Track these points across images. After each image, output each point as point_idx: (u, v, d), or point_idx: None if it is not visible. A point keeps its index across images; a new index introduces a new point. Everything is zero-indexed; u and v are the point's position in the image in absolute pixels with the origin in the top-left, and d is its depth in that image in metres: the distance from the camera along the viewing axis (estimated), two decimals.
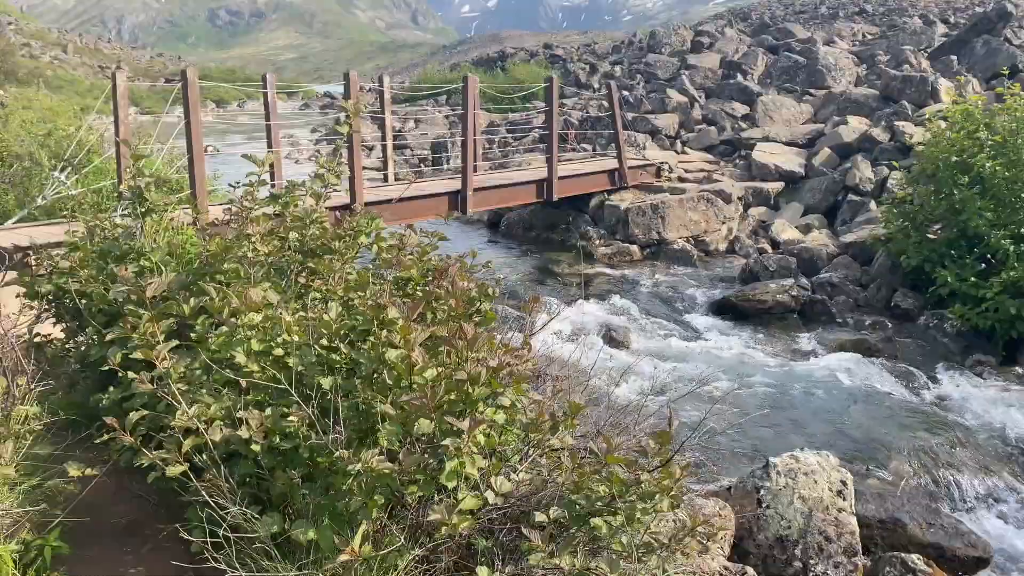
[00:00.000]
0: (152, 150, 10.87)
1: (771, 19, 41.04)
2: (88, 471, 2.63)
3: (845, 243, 12.15)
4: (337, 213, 8.18)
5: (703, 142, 18.29)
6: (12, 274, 3.98)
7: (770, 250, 12.95)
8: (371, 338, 2.57)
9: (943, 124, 10.92)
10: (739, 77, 21.79)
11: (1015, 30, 19.82)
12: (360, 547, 2.08)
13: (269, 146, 11.41)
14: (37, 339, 3.85)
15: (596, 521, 2.33)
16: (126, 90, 9.33)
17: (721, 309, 10.49)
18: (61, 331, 3.97)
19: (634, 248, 13.28)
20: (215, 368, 2.73)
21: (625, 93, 21.67)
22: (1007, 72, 15.20)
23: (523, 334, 3.82)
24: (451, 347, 2.49)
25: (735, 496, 4.58)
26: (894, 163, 13.27)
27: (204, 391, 2.63)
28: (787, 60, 22.44)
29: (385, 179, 13.18)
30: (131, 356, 2.75)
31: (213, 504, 2.36)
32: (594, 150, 17.98)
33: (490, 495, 2.39)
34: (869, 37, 29.36)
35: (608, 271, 12.55)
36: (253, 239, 3.41)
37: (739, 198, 14.38)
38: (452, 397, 2.44)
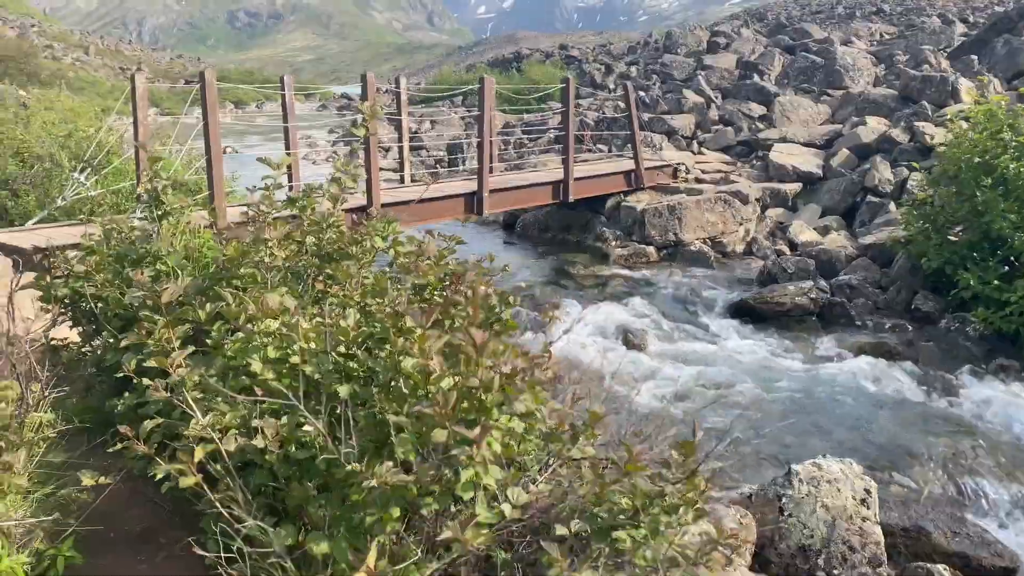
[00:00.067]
0: (171, 151, 10.91)
1: (787, 19, 40.79)
2: (102, 479, 2.60)
3: (864, 245, 12.01)
4: (354, 215, 8.15)
5: (720, 143, 18.17)
6: (28, 277, 3.96)
7: (788, 252, 12.83)
8: (387, 346, 2.53)
9: (965, 124, 10.77)
10: (756, 77, 21.64)
11: None
12: (376, 563, 2.03)
13: (287, 147, 11.42)
14: (53, 343, 3.84)
15: (620, 534, 2.27)
16: (145, 92, 9.36)
17: (739, 311, 10.39)
18: (78, 335, 3.96)
19: (651, 249, 13.20)
20: (230, 375, 2.69)
21: (641, 94, 21.57)
22: None
23: (541, 337, 3.78)
24: (463, 354, 2.44)
25: (756, 504, 4.51)
26: (914, 164, 13.10)
27: (220, 399, 2.60)
28: (804, 60, 22.27)
29: (401, 180, 13.15)
30: (146, 363, 2.72)
31: (227, 515, 2.32)
32: (610, 151, 17.90)
33: (507, 508, 2.33)
34: (887, 37, 29.12)
35: (624, 272, 12.48)
36: (270, 244, 3.37)
37: (756, 199, 14.26)
38: (465, 405, 2.38)
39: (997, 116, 10.10)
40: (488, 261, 3.56)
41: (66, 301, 3.80)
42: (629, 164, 14.66)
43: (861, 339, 9.35)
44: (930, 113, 15.69)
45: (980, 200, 9.35)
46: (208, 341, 2.93)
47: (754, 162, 16.63)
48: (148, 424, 2.53)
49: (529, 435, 2.63)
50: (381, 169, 12.55)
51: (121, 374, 2.87)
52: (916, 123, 15.15)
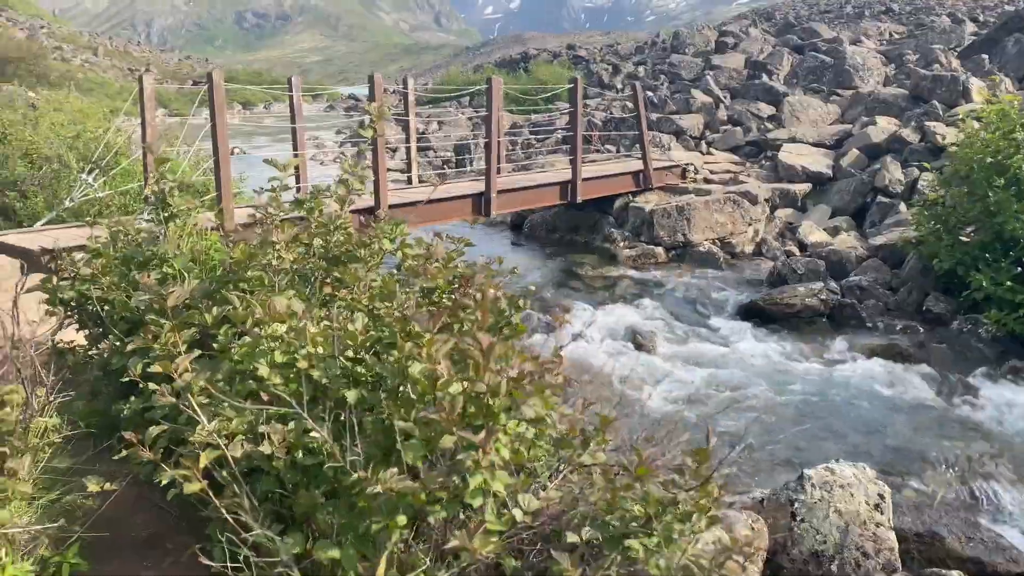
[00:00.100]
0: (179, 152, 10.90)
1: (796, 19, 40.63)
2: (108, 485, 2.57)
3: (874, 246, 11.93)
4: (361, 217, 8.13)
5: (728, 143, 18.09)
6: (34, 279, 3.93)
7: (798, 252, 12.75)
8: (395, 351, 2.49)
9: (976, 124, 10.69)
10: (764, 77, 21.55)
11: None
12: (385, 572, 1.99)
13: (295, 148, 11.41)
14: (59, 346, 3.81)
15: (632, 542, 2.23)
16: (153, 93, 9.36)
17: (748, 313, 10.33)
18: (84, 338, 3.93)
19: (659, 250, 13.14)
20: (237, 379, 2.66)
21: (649, 94, 21.51)
22: None
23: (551, 340, 3.73)
24: (470, 358, 2.40)
25: (768, 509, 4.45)
26: (925, 164, 13.01)
27: (226, 404, 2.56)
28: (813, 60, 22.17)
29: (409, 181, 13.14)
30: (152, 367, 2.69)
31: (233, 522, 2.29)
32: (618, 151, 17.84)
33: (518, 513, 2.30)
34: (896, 36, 28.97)
35: (633, 273, 12.42)
36: (278, 246, 3.34)
37: (765, 200, 14.18)
38: (472, 410, 2.35)
39: (1010, 116, 10.02)
40: (497, 263, 3.52)
41: (72, 304, 3.77)
42: (637, 164, 14.60)
43: (872, 341, 9.28)
44: (941, 113, 15.58)
45: (992, 200, 9.27)
46: (215, 345, 2.89)
47: (763, 162, 16.54)
48: (154, 430, 2.49)
49: (539, 440, 2.59)
50: (388, 170, 12.53)
51: (127, 378, 2.84)
52: (927, 123, 15.05)
